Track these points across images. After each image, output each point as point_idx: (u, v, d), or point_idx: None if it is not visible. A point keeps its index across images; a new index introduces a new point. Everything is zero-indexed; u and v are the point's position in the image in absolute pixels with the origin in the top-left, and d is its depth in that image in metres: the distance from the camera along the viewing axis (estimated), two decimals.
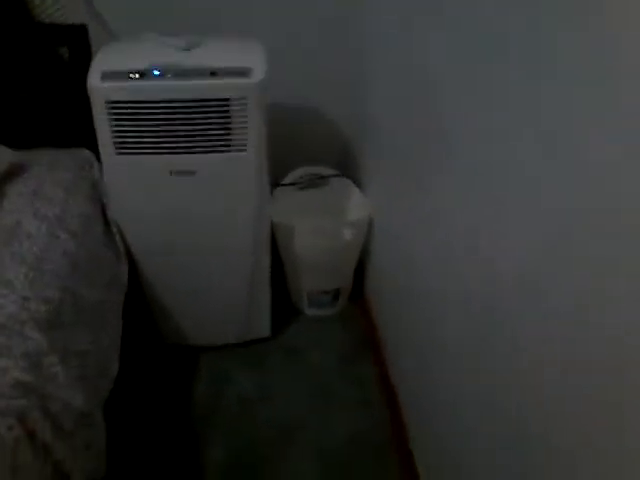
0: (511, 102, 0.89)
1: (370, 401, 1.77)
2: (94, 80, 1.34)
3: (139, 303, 1.73)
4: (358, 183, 1.99)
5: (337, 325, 2.03)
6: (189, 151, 1.44)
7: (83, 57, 1.49)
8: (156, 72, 1.37)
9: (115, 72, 1.36)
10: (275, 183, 1.89)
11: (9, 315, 1.13)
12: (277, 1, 1.75)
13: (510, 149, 0.89)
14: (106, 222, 1.52)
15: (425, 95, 1.28)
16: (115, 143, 1.41)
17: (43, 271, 1.24)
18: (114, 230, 1.54)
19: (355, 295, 2.08)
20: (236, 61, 1.41)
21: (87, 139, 1.47)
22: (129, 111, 1.37)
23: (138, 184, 1.49)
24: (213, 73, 1.38)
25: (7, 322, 1.12)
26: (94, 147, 1.46)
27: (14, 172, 1.41)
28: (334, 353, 1.93)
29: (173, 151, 1.44)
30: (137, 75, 1.36)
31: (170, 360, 1.87)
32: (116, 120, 1.38)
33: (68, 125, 1.64)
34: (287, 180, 1.99)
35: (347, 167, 2.08)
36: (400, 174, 1.55)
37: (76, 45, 1.54)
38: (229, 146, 1.45)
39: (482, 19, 0.97)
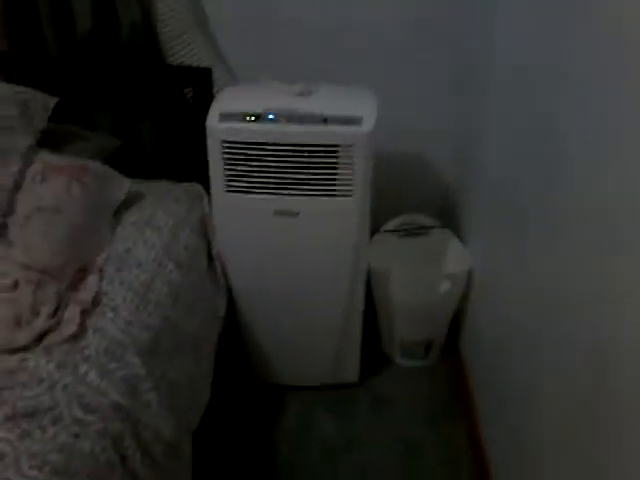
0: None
1: (458, 460, 1.68)
2: (212, 120, 1.42)
3: (234, 337, 1.75)
4: (459, 234, 1.94)
5: (427, 378, 1.95)
6: (295, 193, 1.47)
7: (205, 98, 1.56)
8: (270, 116, 1.42)
9: (232, 114, 1.42)
10: (375, 228, 1.89)
11: (113, 338, 1.17)
12: (395, 52, 1.78)
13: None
14: (210, 256, 1.57)
15: (547, 148, 1.21)
16: (226, 181, 1.47)
17: (148, 299, 1.29)
18: (217, 265, 1.58)
19: (448, 349, 2.01)
20: (347, 109, 1.44)
21: (200, 174, 1.54)
22: (242, 151, 1.43)
23: (243, 222, 1.53)
24: (324, 120, 1.41)
25: (110, 345, 1.16)
26: (206, 183, 1.52)
27: (131, 201, 1.50)
28: (422, 406, 1.85)
29: (279, 192, 1.48)
30: (252, 118, 1.42)
31: (258, 397, 1.87)
32: (229, 159, 1.44)
33: (184, 160, 1.72)
34: (387, 227, 1.98)
35: (449, 217, 2.04)
36: (506, 229, 1.50)
37: (200, 87, 1.63)
38: (334, 192, 1.47)
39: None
